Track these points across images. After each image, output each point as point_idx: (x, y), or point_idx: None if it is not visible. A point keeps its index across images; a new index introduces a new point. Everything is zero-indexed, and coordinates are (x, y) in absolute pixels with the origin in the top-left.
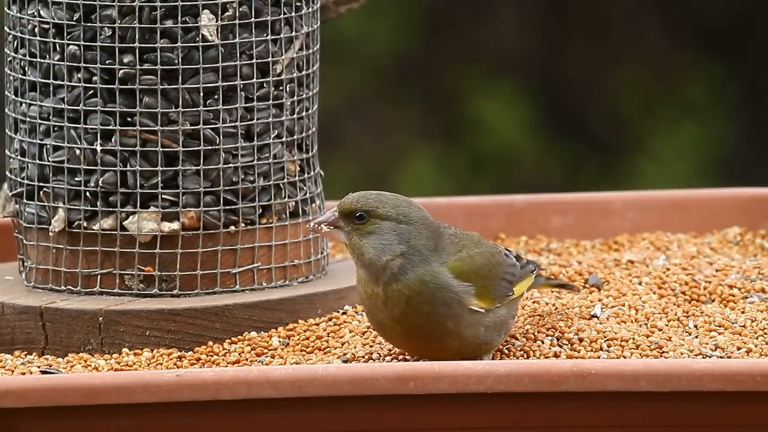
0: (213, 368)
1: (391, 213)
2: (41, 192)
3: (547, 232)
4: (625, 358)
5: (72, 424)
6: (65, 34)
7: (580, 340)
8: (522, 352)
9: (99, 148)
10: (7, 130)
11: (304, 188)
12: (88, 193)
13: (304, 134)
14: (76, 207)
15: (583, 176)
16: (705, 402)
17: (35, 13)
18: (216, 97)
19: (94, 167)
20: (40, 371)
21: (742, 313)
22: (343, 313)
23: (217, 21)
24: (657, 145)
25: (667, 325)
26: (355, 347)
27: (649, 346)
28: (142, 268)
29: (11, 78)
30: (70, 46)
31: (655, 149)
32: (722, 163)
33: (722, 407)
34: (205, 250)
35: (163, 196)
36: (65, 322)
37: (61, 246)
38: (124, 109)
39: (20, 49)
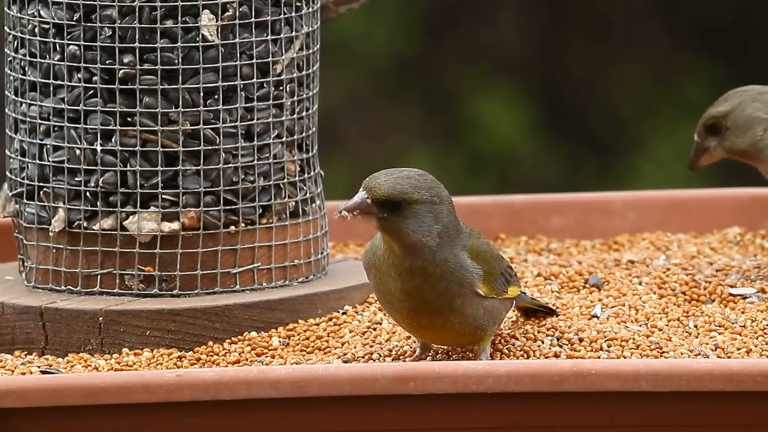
0: (213, 368)
1: (426, 196)
2: (41, 192)
3: (547, 232)
4: (625, 358)
5: (72, 424)
6: (65, 34)
7: (580, 340)
8: (522, 352)
9: (99, 148)
10: (7, 130)
11: (304, 188)
12: (88, 193)
13: (304, 134)
14: (76, 207)
15: (582, 176)
16: (705, 402)
17: (35, 13)
18: (216, 97)
19: (94, 167)
20: (40, 371)
21: (742, 313)
22: (343, 313)
23: (217, 21)
24: (656, 145)
25: (667, 325)
26: (355, 347)
27: (649, 346)
28: (142, 268)
29: (11, 78)
30: (70, 46)
31: (654, 149)
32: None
33: (722, 407)
34: (205, 250)
35: (163, 196)
36: (65, 322)
37: (61, 246)
38: (124, 109)
39: (20, 49)
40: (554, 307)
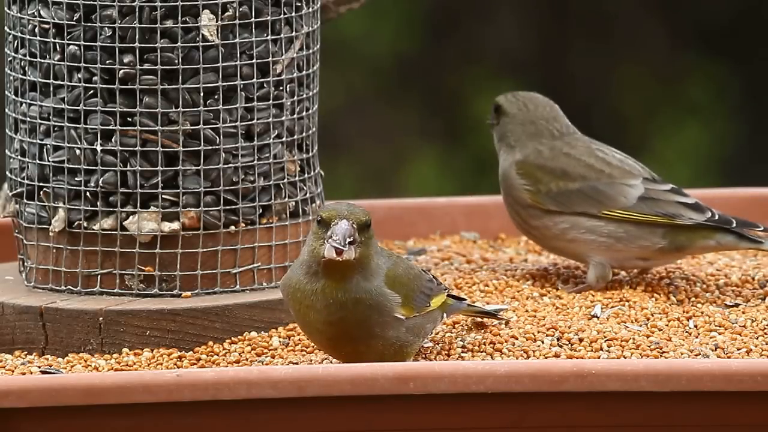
0: (213, 368)
1: (371, 219)
2: (41, 192)
3: None
4: (625, 358)
5: (72, 424)
6: (65, 34)
7: (580, 340)
8: (522, 352)
9: (99, 148)
10: (7, 130)
11: (305, 188)
12: (88, 193)
13: (304, 134)
14: (77, 207)
15: None
16: (705, 402)
17: (35, 13)
18: (216, 97)
19: (94, 167)
20: (40, 371)
21: (743, 313)
22: None
23: (217, 21)
24: (659, 145)
25: (667, 325)
26: None
27: (649, 346)
28: (142, 268)
29: (11, 78)
30: (70, 46)
31: (657, 150)
32: (724, 164)
33: (722, 407)
34: (205, 250)
35: (163, 196)
36: (65, 322)
37: (62, 246)
38: (124, 109)
39: (20, 49)
40: (498, 312)
